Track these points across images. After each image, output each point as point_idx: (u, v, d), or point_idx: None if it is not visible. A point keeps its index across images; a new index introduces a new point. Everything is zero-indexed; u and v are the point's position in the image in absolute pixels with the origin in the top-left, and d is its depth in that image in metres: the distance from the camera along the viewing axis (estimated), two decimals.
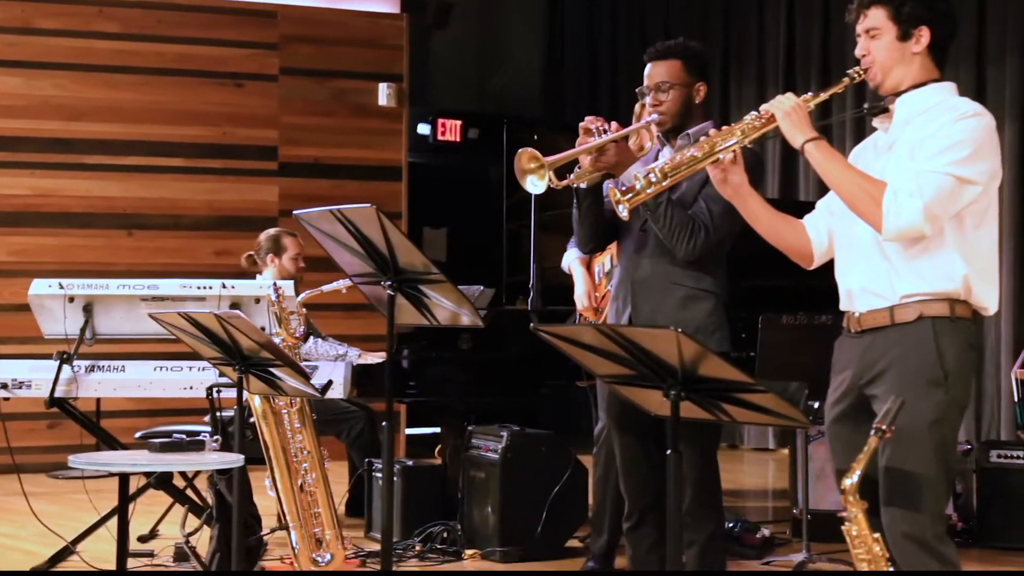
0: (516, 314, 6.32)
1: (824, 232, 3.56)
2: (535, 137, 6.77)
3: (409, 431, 9.38)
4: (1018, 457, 5.99)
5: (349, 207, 3.89)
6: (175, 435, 4.18)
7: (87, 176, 8.80)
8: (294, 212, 4.05)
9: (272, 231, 6.72)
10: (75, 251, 8.70)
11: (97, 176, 8.82)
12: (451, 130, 10.41)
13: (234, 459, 3.92)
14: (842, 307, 3.50)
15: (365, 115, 9.44)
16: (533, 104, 11.12)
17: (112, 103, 8.86)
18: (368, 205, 3.80)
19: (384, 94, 9.44)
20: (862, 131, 8.46)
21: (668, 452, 3.23)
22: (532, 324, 3.29)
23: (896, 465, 3.27)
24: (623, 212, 3.47)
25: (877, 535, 3.00)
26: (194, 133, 9.03)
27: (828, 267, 3.70)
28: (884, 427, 2.97)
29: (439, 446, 7.74)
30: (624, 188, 3.46)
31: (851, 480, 2.97)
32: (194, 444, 3.93)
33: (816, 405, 3.35)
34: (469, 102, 10.84)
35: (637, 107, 5.36)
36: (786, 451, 9.66)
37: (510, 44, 11.23)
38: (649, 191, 3.46)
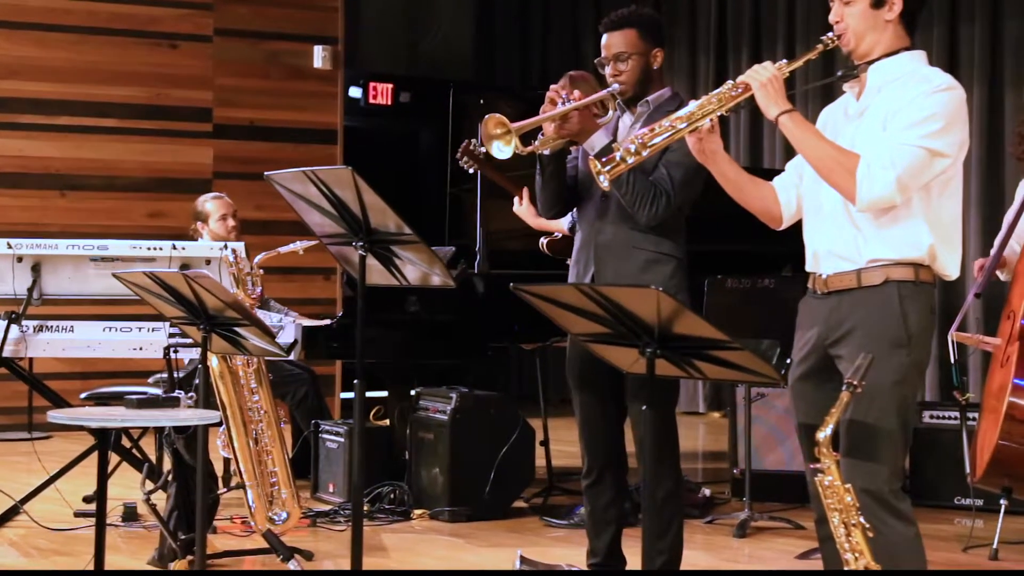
0: (462, 277, 6.38)
1: (793, 194, 3.64)
2: (481, 101, 6.81)
3: (344, 395, 9.41)
4: (949, 418, 6.20)
5: (323, 168, 3.92)
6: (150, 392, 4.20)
7: (19, 135, 8.70)
8: (265, 174, 4.06)
9: (199, 199, 6.69)
10: (7, 211, 8.60)
11: (30, 136, 8.72)
12: (383, 93, 10.41)
13: (212, 416, 3.96)
14: (808, 268, 3.59)
15: (300, 77, 9.42)
16: (464, 67, 11.14)
17: (44, 62, 8.76)
18: (344, 167, 3.84)
19: (319, 56, 9.42)
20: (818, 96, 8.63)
21: (644, 408, 3.34)
22: (512, 284, 3.36)
23: (857, 423, 3.37)
24: (604, 183, 3.52)
25: (848, 485, 3.12)
26: (128, 94, 8.95)
27: (771, 233, 3.82)
28: (855, 382, 3.09)
29: (375, 408, 7.81)
30: (604, 159, 3.52)
31: (824, 433, 3.09)
32: (170, 400, 3.96)
33: (789, 361, 3.46)
34: (400, 65, 10.83)
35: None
36: (716, 415, 9.89)
37: (441, 7, 11.23)
38: (630, 161, 3.51)
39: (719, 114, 3.50)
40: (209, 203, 6.60)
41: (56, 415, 3.73)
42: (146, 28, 8.99)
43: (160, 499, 5.09)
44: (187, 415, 3.95)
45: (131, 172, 8.97)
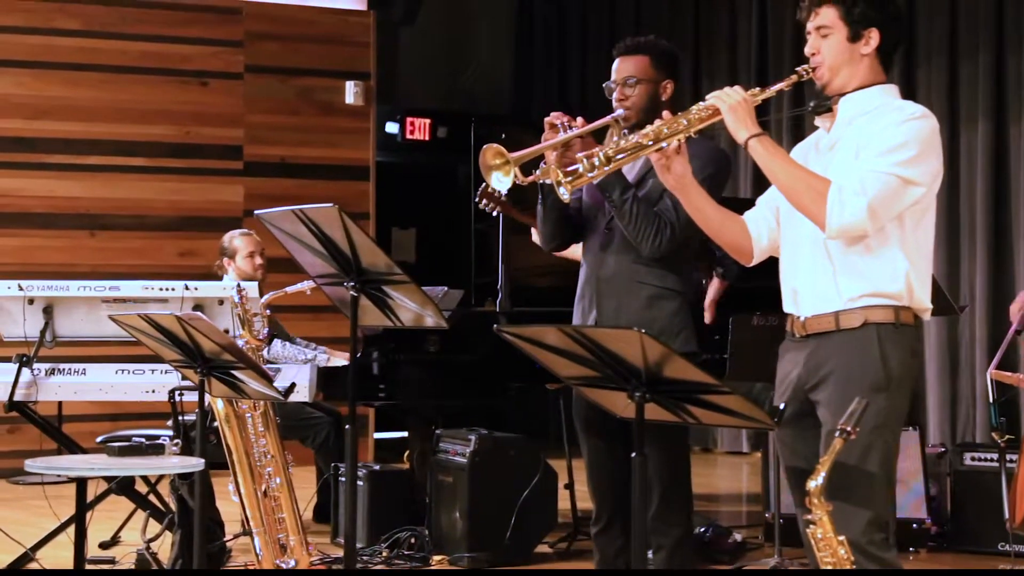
0: (484, 316, 6.23)
1: (764, 228, 3.53)
2: (503, 135, 6.67)
3: (378, 435, 9.28)
4: (991, 460, 5.94)
5: (311, 207, 3.82)
6: (134, 439, 4.08)
7: (49, 176, 8.66)
8: (255, 212, 3.96)
9: (226, 235, 6.60)
10: (37, 252, 8.56)
11: (59, 176, 8.68)
12: (420, 129, 10.31)
13: (194, 463, 3.83)
14: (786, 309, 3.47)
15: (332, 113, 9.33)
16: (502, 102, 11.03)
17: (74, 101, 8.73)
18: (330, 205, 3.73)
19: (351, 92, 9.33)
20: (798, 129, 8.49)
21: (634, 455, 3.16)
22: (495, 326, 3.21)
23: (837, 470, 3.21)
24: (564, 195, 3.43)
25: (842, 538, 2.96)
26: (158, 132, 8.90)
27: None
28: (849, 428, 2.94)
29: (408, 450, 7.66)
30: (565, 171, 3.41)
31: (816, 482, 2.93)
32: (153, 448, 3.84)
33: (783, 406, 3.30)
34: (438, 100, 10.74)
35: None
36: (760, 455, 9.63)
37: (479, 41, 11.14)
38: (591, 174, 3.42)
39: (687, 136, 3.40)
40: (237, 239, 6.51)
41: (33, 464, 3.61)
42: (176, 66, 8.95)
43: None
44: (169, 463, 3.82)
45: (161, 211, 8.91)
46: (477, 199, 5.73)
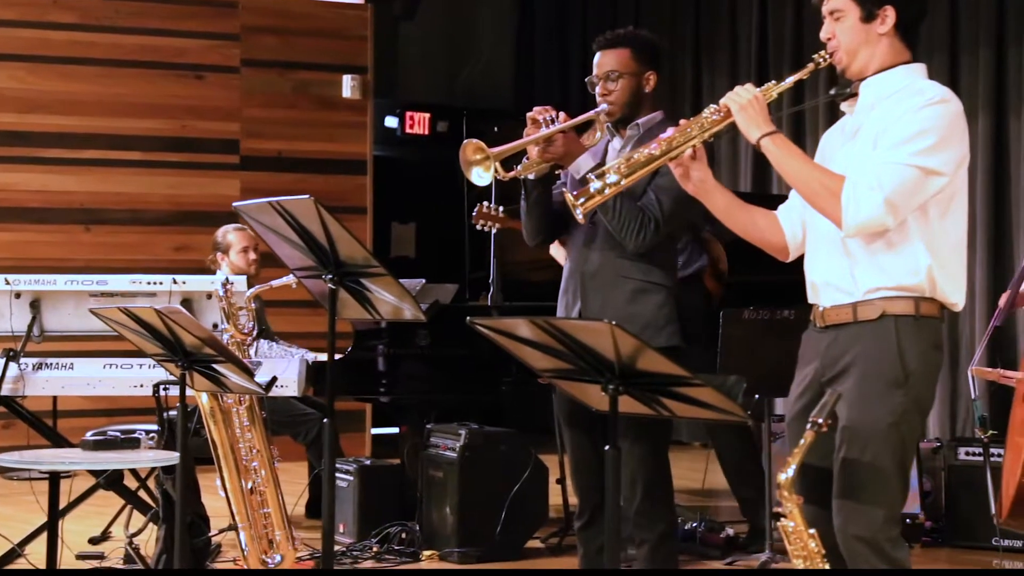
0: (476, 310, 6.19)
1: (798, 223, 3.45)
2: (495, 129, 6.65)
3: (375, 431, 9.24)
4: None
5: (287, 199, 3.77)
6: (110, 433, 4.05)
7: (44, 170, 8.62)
8: (234, 204, 3.92)
9: (220, 230, 6.56)
10: (31, 247, 8.52)
11: (54, 170, 8.64)
12: (419, 123, 10.26)
13: (169, 457, 3.79)
14: (809, 300, 3.42)
15: (329, 107, 9.27)
16: (503, 97, 10.97)
17: (70, 95, 8.69)
18: (306, 196, 3.67)
19: (348, 86, 9.28)
20: (798, 124, 8.40)
21: (607, 448, 3.12)
22: (468, 318, 3.17)
23: (851, 466, 3.18)
24: (579, 216, 3.40)
25: (813, 531, 2.92)
26: (154, 126, 8.85)
27: (795, 261, 3.59)
28: (820, 420, 2.90)
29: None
30: (577, 192, 3.37)
31: (786, 475, 2.88)
32: (128, 442, 3.80)
33: (757, 398, 3.26)
34: (438, 94, 10.69)
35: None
36: None
37: (480, 35, 11.09)
38: (606, 193, 3.36)
39: (701, 141, 3.32)
40: (231, 234, 6.48)
41: (6, 458, 3.58)
42: (172, 60, 8.90)
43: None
44: (145, 456, 3.79)
45: (157, 205, 8.87)
46: (473, 220, 5.73)
